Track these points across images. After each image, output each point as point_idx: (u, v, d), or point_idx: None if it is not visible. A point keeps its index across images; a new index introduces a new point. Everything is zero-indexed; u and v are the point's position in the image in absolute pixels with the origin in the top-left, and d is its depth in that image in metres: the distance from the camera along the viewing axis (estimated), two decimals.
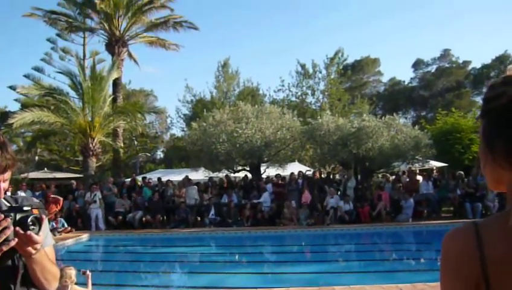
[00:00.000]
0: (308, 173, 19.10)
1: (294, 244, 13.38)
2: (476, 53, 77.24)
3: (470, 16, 68.58)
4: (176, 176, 20.52)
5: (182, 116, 32.88)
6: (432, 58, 48.96)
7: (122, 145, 24.82)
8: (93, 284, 5.60)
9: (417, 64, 49.64)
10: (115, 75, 21.50)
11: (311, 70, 29.88)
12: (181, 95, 34.67)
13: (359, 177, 18.02)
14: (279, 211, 15.77)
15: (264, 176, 19.23)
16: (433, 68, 48.79)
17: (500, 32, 69.05)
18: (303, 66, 29.93)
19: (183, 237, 14.53)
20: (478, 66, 45.42)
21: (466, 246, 1.01)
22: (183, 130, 32.01)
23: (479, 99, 42.25)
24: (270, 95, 31.82)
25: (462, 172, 17.29)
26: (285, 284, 7.02)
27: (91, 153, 19.47)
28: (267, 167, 19.86)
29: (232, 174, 19.80)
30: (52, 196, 14.75)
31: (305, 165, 23.89)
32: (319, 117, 19.34)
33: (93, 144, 19.45)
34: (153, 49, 26.41)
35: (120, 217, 16.12)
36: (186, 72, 72.47)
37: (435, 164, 21.10)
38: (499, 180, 1.06)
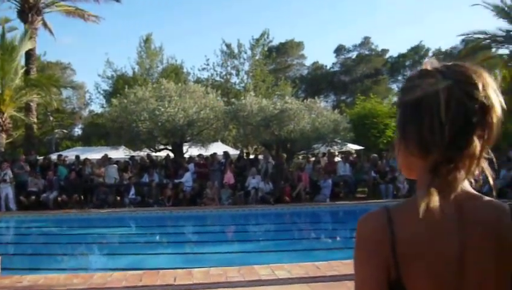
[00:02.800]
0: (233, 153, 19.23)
1: (216, 224, 13.46)
2: (394, 42, 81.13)
3: (389, 6, 71.62)
4: (95, 154, 19.75)
5: (101, 92, 31.56)
6: (353, 45, 50.72)
7: (35, 120, 23.45)
8: (3, 269, 5.30)
9: (339, 50, 51.17)
10: (28, 46, 20.07)
11: (236, 50, 29.82)
12: (101, 70, 33.23)
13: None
14: (201, 191, 15.75)
15: (186, 155, 19.07)
16: (353, 54, 50.58)
17: (416, 23, 72.83)
18: (228, 46, 29.78)
19: (101, 217, 14.09)
20: (395, 55, 47.80)
21: (378, 229, 1.05)
22: (102, 107, 30.78)
23: (394, 87, 44.65)
24: (194, 73, 31.45)
25: (376, 155, 18.24)
26: (205, 264, 7.04)
27: (1, 128, 18.18)
28: (190, 147, 19.71)
29: (153, 153, 19.46)
30: None
31: (228, 145, 23.97)
32: (242, 98, 19.41)
33: (3, 119, 18.14)
34: (71, 19, 25.03)
35: (33, 197, 15.28)
36: (107, 46, 69.28)
37: (353, 146, 22.04)
38: (411, 167, 1.12)
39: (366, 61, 48.20)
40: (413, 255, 1.02)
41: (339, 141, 19.08)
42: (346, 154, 19.57)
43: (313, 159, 18.84)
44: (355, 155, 21.21)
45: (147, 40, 30.76)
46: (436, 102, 1.03)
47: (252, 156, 19.95)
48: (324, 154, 19.82)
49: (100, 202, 15.21)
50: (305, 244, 10.43)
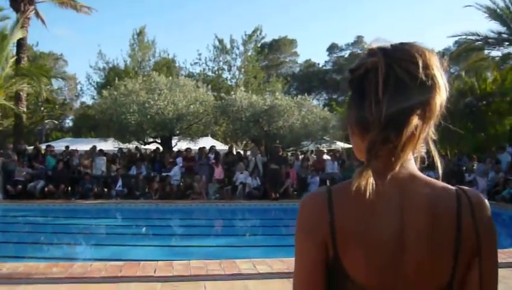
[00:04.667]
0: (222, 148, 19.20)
1: (202, 218, 13.45)
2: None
3: (382, 5, 71.79)
4: (84, 145, 19.65)
5: (93, 83, 31.39)
6: (346, 44, 50.97)
7: (25, 110, 23.26)
8: None
9: (332, 49, 51.35)
10: (19, 35, 19.86)
11: (228, 46, 29.76)
12: (93, 62, 32.97)
13: (269, 154, 18.41)
14: (189, 185, 15.73)
15: (175, 149, 19.03)
16: (346, 53, 50.73)
17: (410, 24, 73.08)
18: (221, 41, 29.71)
19: (88, 208, 14.03)
20: None
21: (318, 209, 1.05)
22: (93, 98, 30.61)
23: None
24: (186, 68, 31.39)
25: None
26: (188, 257, 7.03)
27: None
28: (179, 140, 19.70)
29: (142, 146, 19.41)
30: None
31: (217, 140, 23.94)
32: (232, 93, 19.42)
33: None
34: (64, 10, 24.73)
35: (20, 187, 15.16)
36: (100, 38, 69.12)
37: (342, 145, 22.08)
38: (358, 149, 1.12)
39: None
40: (351, 235, 1.02)
41: (328, 139, 19.13)
42: (334, 152, 19.60)
43: (302, 156, 18.85)
44: (343, 153, 21.23)
45: (140, 33, 30.61)
46: (375, 80, 1.02)
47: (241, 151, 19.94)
48: (312, 151, 19.85)
49: (86, 193, 15.13)
50: (289, 240, 10.37)
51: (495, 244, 1.06)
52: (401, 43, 1.08)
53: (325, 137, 18.92)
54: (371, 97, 1.02)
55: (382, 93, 1.01)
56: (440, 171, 1.07)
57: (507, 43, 19.60)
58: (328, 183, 16.59)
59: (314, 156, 18.81)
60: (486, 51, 21.83)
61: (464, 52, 22.18)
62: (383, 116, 1.00)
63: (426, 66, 1.02)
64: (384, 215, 1.02)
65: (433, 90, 1.02)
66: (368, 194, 0.98)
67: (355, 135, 1.11)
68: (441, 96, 1.03)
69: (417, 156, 1.10)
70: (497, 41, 19.88)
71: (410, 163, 1.07)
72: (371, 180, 0.99)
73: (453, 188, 1.08)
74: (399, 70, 1.02)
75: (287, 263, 6.45)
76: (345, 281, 1.03)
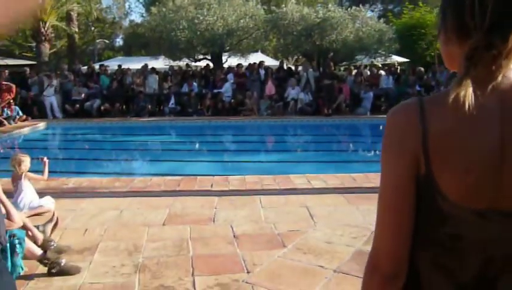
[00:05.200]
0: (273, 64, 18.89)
1: (254, 134, 13.54)
2: None
3: None
4: (136, 64, 19.80)
5: (141, 0, 31.08)
6: None
7: (77, 30, 23.52)
8: (50, 172, 5.52)
9: None
10: None
11: None
12: None
13: (321, 69, 17.95)
14: (240, 102, 15.73)
15: (225, 65, 18.89)
16: None
17: None
18: None
19: (142, 126, 14.42)
20: None
21: (409, 119, 0.96)
22: (142, 16, 30.47)
23: None
24: None
25: (422, 68, 17.44)
26: (242, 172, 7.15)
27: (43, 38, 18.30)
28: (229, 57, 19.47)
29: (193, 63, 19.38)
30: (4, 83, 14.12)
31: (268, 55, 23.53)
32: (283, 6, 18.68)
33: (45, 29, 18.23)
34: None
35: (77, 106, 15.70)
36: None
37: (397, 59, 21.17)
38: (451, 57, 1.01)
39: None
40: (446, 149, 0.92)
41: (383, 53, 18.34)
42: (390, 67, 18.84)
43: (355, 70, 18.25)
44: (399, 68, 20.43)
45: None
46: None
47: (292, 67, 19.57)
48: (366, 66, 19.18)
49: (141, 110, 15.48)
50: (342, 156, 10.39)
51: None
52: None
53: (380, 51, 18.11)
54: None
55: None
56: None
57: None
58: (382, 100, 16.23)
59: (368, 71, 18.18)
60: None
61: None
62: (488, 20, 0.89)
63: None
64: (483, 129, 0.91)
65: None
66: (467, 105, 0.88)
67: (452, 42, 0.98)
68: None
69: None
70: None
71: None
72: (470, 90, 0.88)
73: None
74: None
75: (341, 178, 6.45)
76: (436, 198, 0.94)
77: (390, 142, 0.99)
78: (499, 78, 0.91)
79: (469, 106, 0.87)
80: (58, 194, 5.60)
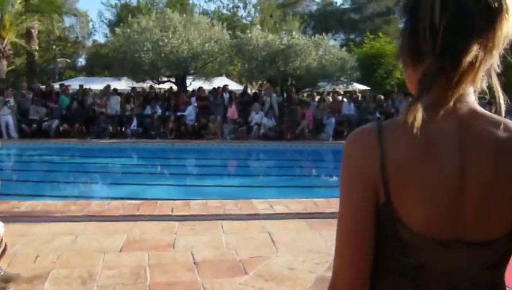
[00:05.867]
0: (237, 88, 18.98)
1: (217, 158, 13.45)
2: None
3: None
4: (98, 84, 19.49)
5: (105, 21, 30.83)
6: None
7: (37, 48, 23.01)
8: (2, 194, 5.26)
9: None
10: None
11: None
12: None
13: (285, 95, 18.14)
14: (203, 125, 15.66)
15: (190, 88, 18.83)
16: None
17: None
18: None
19: (103, 147, 14.09)
20: None
21: (366, 145, 0.92)
22: (106, 37, 30.17)
23: None
24: (200, 5, 30.66)
25: (382, 96, 17.93)
26: (204, 196, 7.03)
27: (1, 54, 17.81)
28: (193, 80, 19.44)
29: (156, 85, 19.24)
30: None
31: (232, 80, 23.65)
32: (248, 32, 18.91)
33: (3, 45, 17.75)
34: None
35: (34, 125, 15.21)
36: None
37: (358, 86, 21.67)
38: (410, 81, 0.99)
39: None
40: (406, 177, 0.89)
41: (345, 80, 18.76)
42: (351, 94, 19.26)
43: (318, 97, 18.55)
44: (360, 95, 20.89)
45: None
46: (431, 2, 0.87)
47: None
48: (328, 92, 19.55)
49: (101, 132, 15.15)
50: (305, 181, 10.43)
51: None
52: None
53: (342, 78, 18.53)
54: (426, 22, 0.89)
55: (439, 17, 0.87)
56: (503, 109, 0.94)
57: None
58: (344, 126, 16.51)
59: (331, 98, 18.53)
60: None
61: None
62: (439, 44, 0.87)
63: None
64: (443, 153, 0.90)
65: (499, 15, 0.87)
66: (415, 130, 0.85)
67: (408, 65, 0.97)
68: (508, 22, 0.87)
69: (476, 90, 0.95)
70: None
71: (470, 98, 0.93)
72: (420, 115, 0.85)
73: None
74: None
75: (303, 204, 6.43)
76: (396, 226, 0.91)
77: (348, 169, 0.95)
78: (451, 103, 0.90)
79: (417, 130, 0.85)
80: (9, 218, 5.31)
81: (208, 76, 19.16)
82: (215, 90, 17.13)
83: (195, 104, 16.34)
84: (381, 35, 26.58)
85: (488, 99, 0.98)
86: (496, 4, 0.86)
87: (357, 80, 19.83)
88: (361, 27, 44.47)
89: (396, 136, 0.91)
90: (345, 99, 18.02)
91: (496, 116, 0.94)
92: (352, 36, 45.16)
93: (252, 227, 5.40)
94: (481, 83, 0.94)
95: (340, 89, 19.88)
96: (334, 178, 10.77)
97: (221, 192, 8.36)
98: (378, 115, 16.69)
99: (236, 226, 5.42)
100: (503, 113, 0.94)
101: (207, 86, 18.44)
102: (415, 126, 0.85)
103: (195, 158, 13.53)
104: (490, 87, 0.96)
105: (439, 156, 0.89)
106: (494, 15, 0.86)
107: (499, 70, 0.95)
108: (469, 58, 0.86)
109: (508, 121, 0.93)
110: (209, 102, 16.59)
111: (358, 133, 0.96)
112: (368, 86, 22.43)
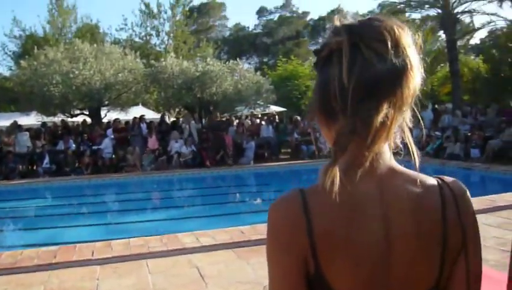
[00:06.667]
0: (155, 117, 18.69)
1: (138, 191, 13.05)
2: (314, 5, 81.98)
3: None
4: (4, 120, 18.35)
5: (8, 53, 29.12)
6: (275, 7, 50.87)
7: None
8: None
9: (261, 12, 51.01)
10: None
11: (155, 10, 28.65)
12: (7, 29, 30.59)
13: (203, 121, 18.16)
14: (122, 157, 15.18)
15: (105, 120, 18.25)
16: (275, 16, 50.65)
17: None
18: (147, 5, 28.51)
19: (12, 189, 13.14)
20: (315, 17, 48.53)
21: (292, 216, 0.90)
22: (11, 69, 28.48)
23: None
24: (111, 34, 30.03)
25: (298, 117, 18.49)
26: (127, 234, 6.77)
27: None
28: (108, 111, 18.88)
29: (69, 119, 18.44)
30: None
31: (149, 108, 23.27)
32: (162, 60, 18.77)
33: None
34: None
35: None
36: (13, 3, 63.95)
37: (275, 108, 22.21)
38: (328, 138, 0.99)
39: (288, 23, 48.55)
40: (333, 245, 0.88)
41: (262, 103, 19.13)
42: (269, 116, 19.68)
43: (236, 121, 18.75)
44: (277, 117, 21.41)
45: None
46: (339, 63, 0.88)
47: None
48: (247, 116, 19.83)
49: (10, 172, 14.18)
50: (230, 208, 10.39)
51: (479, 235, 0.98)
52: (370, 19, 0.93)
53: (258, 101, 18.87)
54: (335, 82, 0.88)
55: (347, 77, 0.87)
56: (417, 164, 0.96)
57: (427, 6, 20.29)
58: (264, 148, 16.76)
59: (249, 121, 18.81)
60: (407, 14, 22.48)
61: (387, 15, 22.70)
62: (349, 105, 0.87)
63: (396, 45, 0.88)
64: (367, 217, 0.90)
65: (404, 73, 0.88)
66: (334, 195, 0.84)
67: (322, 124, 0.97)
68: (414, 79, 0.90)
69: (392, 146, 0.96)
70: (419, 4, 20.56)
71: (386, 155, 0.94)
72: (337, 179, 0.84)
73: (434, 180, 0.97)
74: (366, 51, 0.88)
75: (229, 233, 6.39)
76: None
77: (274, 240, 0.92)
78: (374, 163, 0.90)
79: (336, 196, 0.84)
80: None
81: (124, 106, 18.70)
82: (132, 121, 16.74)
83: (112, 136, 15.84)
84: (293, 57, 27.63)
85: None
86: (401, 63, 0.88)
87: (274, 102, 20.30)
88: (273, 50, 45.92)
89: (320, 202, 0.89)
90: (263, 122, 18.36)
91: (412, 172, 0.95)
92: (265, 59, 46.44)
93: (179, 263, 5.28)
94: (395, 139, 0.95)
95: (258, 112, 20.24)
96: (259, 201, 10.87)
97: (144, 227, 8.11)
98: (296, 135, 17.16)
99: (162, 263, 5.26)
100: (417, 165, 0.96)
101: (123, 117, 17.97)
102: (334, 191, 0.84)
103: (114, 193, 13.03)
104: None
105: (363, 220, 0.89)
106: (400, 73, 0.88)
107: (410, 126, 0.97)
108: (380, 118, 0.86)
109: (423, 176, 0.95)
110: (127, 133, 16.16)
111: (281, 202, 0.93)
112: (284, 107, 23.07)
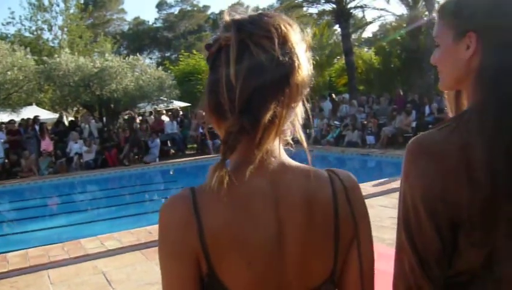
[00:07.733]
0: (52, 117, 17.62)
1: (36, 197, 12.24)
2: None
3: None
4: None
5: None
6: (175, 0, 50.02)
7: None
8: None
9: (161, 5, 50.04)
10: None
11: (46, 3, 26.91)
12: None
13: (104, 119, 17.47)
14: (16, 162, 14.12)
15: None
16: (176, 10, 49.96)
17: None
18: None
19: None
20: (216, 11, 48.65)
21: (182, 215, 0.88)
22: None
23: None
24: None
25: (202, 111, 18.44)
26: (25, 245, 6.36)
27: None
28: None
29: None
30: None
31: (44, 108, 21.91)
32: (56, 56, 17.71)
33: None
34: None
35: None
36: None
37: (179, 104, 21.95)
38: (220, 134, 0.97)
39: (189, 17, 48.14)
40: (225, 244, 0.88)
41: (165, 99, 18.82)
42: (173, 112, 19.41)
43: (140, 118, 18.28)
44: (181, 112, 21.20)
45: None
46: (227, 59, 0.88)
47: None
48: (151, 113, 19.42)
49: None
50: (137, 208, 10.12)
51: (369, 225, 1.03)
52: (260, 14, 0.93)
53: (161, 97, 18.53)
54: (223, 79, 0.88)
55: (235, 75, 0.86)
56: (309, 158, 1.00)
57: (323, 1, 21.18)
58: (169, 144, 16.53)
59: (153, 118, 18.43)
60: (305, 8, 23.30)
61: (286, 10, 23.39)
62: (237, 103, 0.86)
63: (283, 42, 0.89)
64: (259, 214, 0.90)
65: (291, 70, 0.89)
66: (223, 194, 0.85)
67: (213, 121, 0.96)
68: (301, 76, 0.91)
69: (283, 142, 0.97)
70: None
71: (279, 152, 0.95)
72: (226, 178, 0.85)
73: (325, 172, 1.00)
74: (253, 48, 0.88)
75: (136, 234, 6.27)
76: None
77: (165, 242, 0.90)
78: (265, 160, 0.91)
79: (224, 195, 0.85)
80: None
81: (15, 107, 17.40)
82: (25, 122, 15.64)
83: (3, 140, 14.68)
84: (195, 52, 27.48)
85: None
86: (288, 60, 0.88)
87: (177, 97, 20.05)
88: (175, 45, 45.28)
89: (210, 202, 0.88)
90: (167, 118, 18.07)
91: (304, 166, 0.97)
92: (167, 54, 45.67)
93: (83, 271, 5.08)
94: (286, 135, 0.96)
95: (161, 108, 19.88)
96: (166, 199, 10.66)
97: (45, 235, 7.64)
98: (201, 130, 17.10)
99: (65, 272, 5.03)
100: (309, 159, 0.99)
101: (15, 118, 16.72)
102: (222, 190, 0.84)
103: (8, 201, 12.08)
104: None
105: (254, 218, 0.89)
106: (288, 71, 0.88)
107: (301, 122, 0.98)
108: (268, 116, 0.86)
109: (316, 170, 0.98)
110: (20, 135, 15.06)
111: (171, 202, 0.92)
112: (188, 102, 22.88)
